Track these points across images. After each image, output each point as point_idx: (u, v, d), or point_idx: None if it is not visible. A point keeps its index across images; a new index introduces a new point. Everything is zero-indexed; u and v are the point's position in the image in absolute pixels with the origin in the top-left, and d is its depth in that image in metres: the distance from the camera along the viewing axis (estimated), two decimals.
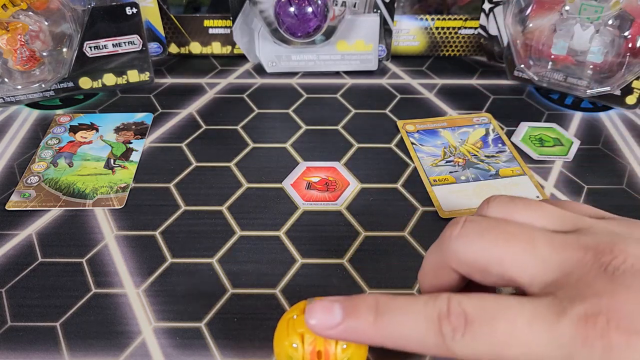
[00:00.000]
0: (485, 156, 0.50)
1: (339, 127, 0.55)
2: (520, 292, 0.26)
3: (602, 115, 0.57)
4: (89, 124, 0.55)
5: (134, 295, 0.39)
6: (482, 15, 0.61)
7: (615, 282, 0.23)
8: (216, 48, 0.65)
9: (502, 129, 0.54)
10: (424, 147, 0.51)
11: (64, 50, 0.54)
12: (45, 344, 0.36)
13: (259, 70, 0.63)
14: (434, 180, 0.48)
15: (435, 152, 0.51)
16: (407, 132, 0.53)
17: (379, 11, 0.59)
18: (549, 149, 0.52)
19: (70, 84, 0.57)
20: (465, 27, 0.64)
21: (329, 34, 0.59)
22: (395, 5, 0.59)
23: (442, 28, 0.64)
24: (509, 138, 0.53)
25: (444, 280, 0.29)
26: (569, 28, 0.53)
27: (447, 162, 0.50)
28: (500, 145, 0.51)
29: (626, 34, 0.52)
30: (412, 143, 0.52)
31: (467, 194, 0.47)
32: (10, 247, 0.43)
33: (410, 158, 0.51)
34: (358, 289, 0.40)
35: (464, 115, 0.56)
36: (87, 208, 0.46)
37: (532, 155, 0.51)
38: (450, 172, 0.49)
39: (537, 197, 0.46)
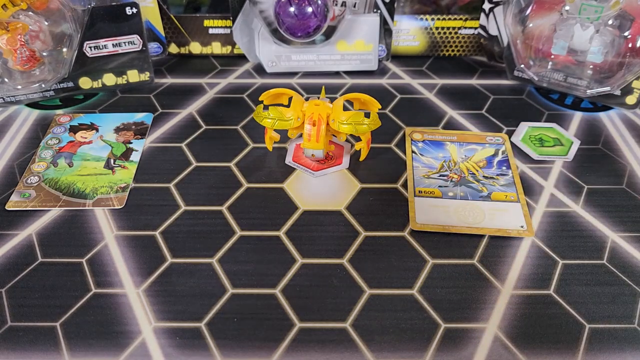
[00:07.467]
0: (484, 176, 0.48)
1: None
2: None
3: (602, 115, 0.57)
4: (89, 124, 0.55)
5: (134, 295, 0.39)
6: (482, 15, 0.61)
7: None
8: (216, 48, 0.65)
9: (513, 153, 0.51)
10: (424, 157, 0.50)
11: (64, 50, 0.54)
12: (45, 344, 0.36)
13: (259, 70, 0.63)
14: (419, 192, 0.47)
15: (433, 164, 0.50)
16: (412, 139, 0.52)
17: (379, 11, 0.59)
18: (549, 149, 0.52)
19: (70, 84, 0.57)
20: (465, 27, 0.64)
21: (329, 34, 0.59)
22: (395, 5, 0.59)
23: (442, 28, 0.64)
24: (510, 138, 0.53)
25: None
26: (569, 28, 0.53)
27: (440, 175, 0.48)
28: (504, 168, 0.50)
29: (626, 34, 0.52)
30: (413, 152, 0.51)
31: (447, 210, 0.45)
32: (10, 247, 0.43)
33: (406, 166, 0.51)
34: (358, 289, 0.40)
35: (479, 133, 0.54)
36: (87, 208, 0.46)
37: (532, 155, 0.51)
38: (440, 187, 0.47)
39: (522, 227, 0.44)
